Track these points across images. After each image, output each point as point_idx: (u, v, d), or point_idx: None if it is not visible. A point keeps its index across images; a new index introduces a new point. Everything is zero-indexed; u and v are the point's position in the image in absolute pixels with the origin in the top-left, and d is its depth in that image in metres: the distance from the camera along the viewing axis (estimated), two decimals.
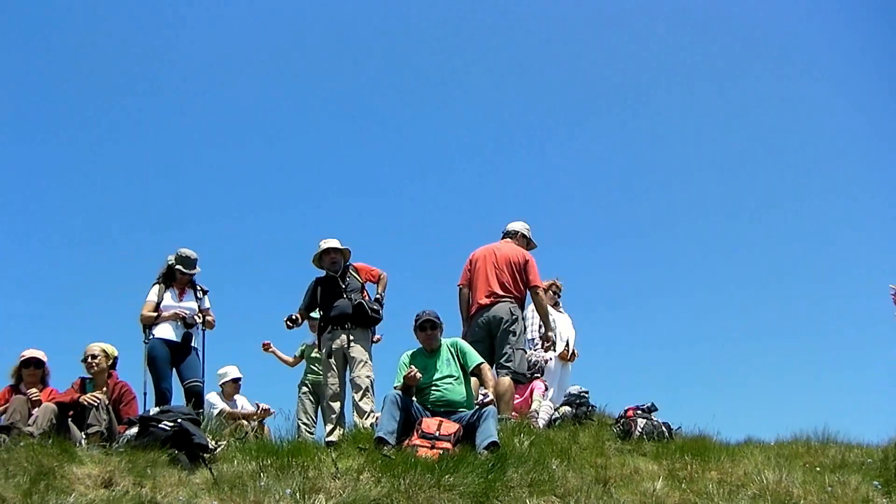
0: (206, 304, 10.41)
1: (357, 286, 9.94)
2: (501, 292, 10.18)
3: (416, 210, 40.14)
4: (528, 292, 10.38)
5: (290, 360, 12.41)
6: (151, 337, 9.97)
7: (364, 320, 9.71)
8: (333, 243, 10.04)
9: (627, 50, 38.18)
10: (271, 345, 12.37)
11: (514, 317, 10.08)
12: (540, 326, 11.21)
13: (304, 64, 40.29)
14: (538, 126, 40.78)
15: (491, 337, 9.86)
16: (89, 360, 9.28)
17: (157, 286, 10.28)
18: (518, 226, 10.96)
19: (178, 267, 10.28)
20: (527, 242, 10.79)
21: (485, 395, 8.37)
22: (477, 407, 8.31)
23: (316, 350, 11.49)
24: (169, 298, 10.20)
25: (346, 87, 41.40)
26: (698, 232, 37.21)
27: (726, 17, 35.57)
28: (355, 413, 9.36)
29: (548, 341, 10.67)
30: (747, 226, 36.18)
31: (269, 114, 41.01)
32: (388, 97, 41.14)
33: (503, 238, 10.89)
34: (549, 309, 11.45)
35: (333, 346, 9.66)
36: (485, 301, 10.18)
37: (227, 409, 11.42)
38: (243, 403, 11.82)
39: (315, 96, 40.88)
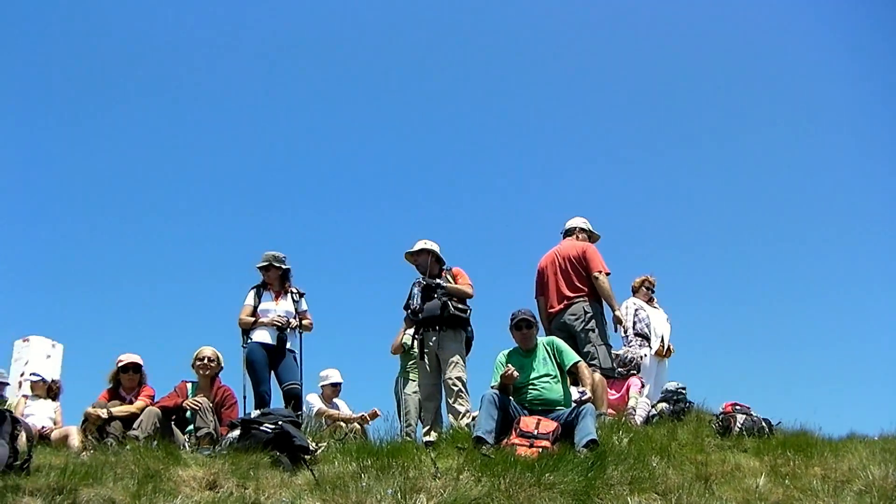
0: (304, 306, 10.48)
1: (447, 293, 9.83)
2: (572, 293, 10.20)
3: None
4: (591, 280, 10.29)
5: (400, 346, 12.38)
6: (249, 341, 10.08)
7: (452, 321, 9.65)
8: (420, 245, 10.09)
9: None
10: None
11: (588, 314, 10.08)
12: (634, 323, 11.14)
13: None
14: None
15: (573, 338, 9.78)
16: (205, 362, 9.49)
17: (253, 291, 10.44)
18: (576, 221, 10.97)
19: (266, 264, 10.43)
20: (588, 236, 10.74)
21: (582, 393, 8.32)
22: (574, 405, 8.26)
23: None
24: (266, 302, 10.30)
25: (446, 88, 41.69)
26: (798, 230, 36.70)
27: None
28: (450, 414, 9.36)
29: (618, 322, 10.48)
30: (848, 224, 35.54)
31: (369, 112, 41.45)
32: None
33: (563, 237, 10.91)
34: (644, 304, 11.38)
35: (426, 348, 9.68)
36: (557, 306, 10.25)
37: (326, 409, 11.49)
38: (342, 407, 11.88)
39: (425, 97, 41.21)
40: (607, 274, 10.22)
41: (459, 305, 9.68)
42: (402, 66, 45.83)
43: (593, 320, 10.05)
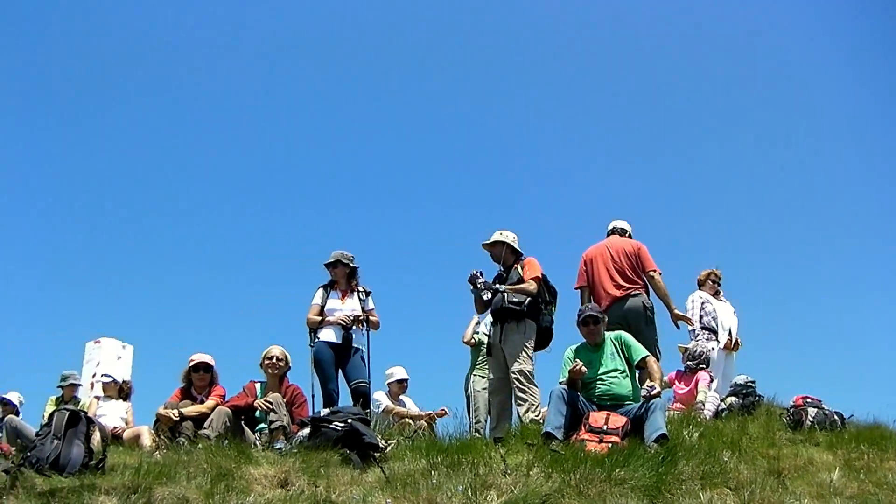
0: (370, 304, 10.50)
1: (515, 281, 9.79)
2: (628, 285, 10.26)
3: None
4: (646, 278, 10.39)
5: (472, 339, 12.37)
6: (316, 340, 10.15)
7: (513, 314, 9.54)
8: (495, 236, 10.05)
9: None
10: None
11: (648, 308, 10.21)
12: (701, 317, 11.07)
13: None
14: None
15: (629, 329, 9.72)
16: (273, 361, 9.58)
17: (320, 290, 10.51)
18: (623, 223, 11.11)
19: (334, 262, 10.50)
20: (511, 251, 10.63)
21: (651, 388, 8.27)
22: (643, 400, 8.21)
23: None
24: (333, 301, 10.36)
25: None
26: (867, 219, 36.21)
27: None
28: (517, 409, 9.31)
29: (679, 319, 10.62)
30: None
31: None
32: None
33: (609, 235, 10.98)
34: (710, 298, 11.31)
35: (493, 342, 9.66)
36: (616, 292, 10.26)
37: (394, 407, 11.53)
38: (409, 404, 11.91)
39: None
40: (660, 273, 10.24)
41: (514, 299, 9.53)
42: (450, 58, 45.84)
43: (652, 316, 10.13)
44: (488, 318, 12.05)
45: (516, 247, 9.97)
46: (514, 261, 9.92)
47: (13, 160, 40.07)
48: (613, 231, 11.07)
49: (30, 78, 41.27)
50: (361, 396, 9.78)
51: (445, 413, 11.69)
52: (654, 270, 10.32)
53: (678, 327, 10.59)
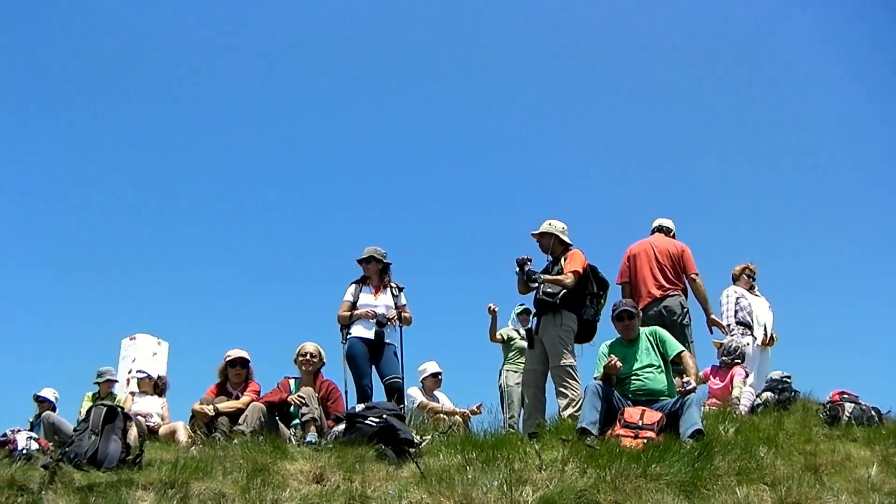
0: (403, 300, 10.50)
1: (557, 272, 9.66)
2: (669, 286, 10.25)
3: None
4: (687, 281, 10.40)
5: (497, 336, 12.38)
6: (349, 336, 10.17)
7: (550, 306, 9.42)
8: (543, 227, 9.95)
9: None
10: (497, 311, 12.39)
11: (684, 310, 10.23)
12: (736, 312, 11.02)
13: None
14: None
15: (664, 328, 9.67)
16: (307, 357, 9.65)
17: (353, 286, 10.52)
18: (668, 221, 11.08)
19: (367, 257, 10.51)
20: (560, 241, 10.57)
21: (686, 383, 8.24)
22: (679, 395, 8.19)
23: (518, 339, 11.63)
24: (366, 296, 10.37)
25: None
26: None
27: None
28: (558, 404, 9.25)
29: (713, 324, 10.67)
30: None
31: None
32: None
33: (654, 233, 10.94)
34: (745, 293, 11.26)
35: (533, 334, 9.61)
36: (657, 293, 10.25)
37: (428, 402, 11.54)
38: (444, 400, 11.92)
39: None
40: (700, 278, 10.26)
41: (548, 290, 9.44)
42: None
43: (687, 317, 10.17)
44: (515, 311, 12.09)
45: (564, 238, 9.83)
46: (562, 252, 9.78)
47: (52, 158, 40.57)
48: (659, 229, 11.03)
49: (62, 73, 41.69)
50: (395, 392, 9.78)
51: (479, 411, 11.69)
52: (696, 274, 10.36)
53: (711, 332, 10.60)
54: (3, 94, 38.65)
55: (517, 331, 12.42)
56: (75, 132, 42.61)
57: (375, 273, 10.52)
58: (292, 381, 9.71)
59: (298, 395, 9.03)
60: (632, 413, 7.89)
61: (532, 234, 9.96)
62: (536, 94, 46.11)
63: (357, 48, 45.80)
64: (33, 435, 10.94)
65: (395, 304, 10.36)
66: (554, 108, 46.35)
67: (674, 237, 10.95)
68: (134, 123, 44.11)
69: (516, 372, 11.83)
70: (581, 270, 9.45)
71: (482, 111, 47.28)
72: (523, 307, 12.45)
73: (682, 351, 8.74)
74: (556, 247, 9.83)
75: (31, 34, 40.00)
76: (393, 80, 46.91)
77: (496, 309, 12.41)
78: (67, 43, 42.10)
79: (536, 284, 9.53)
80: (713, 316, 10.42)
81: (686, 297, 10.36)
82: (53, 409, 12.29)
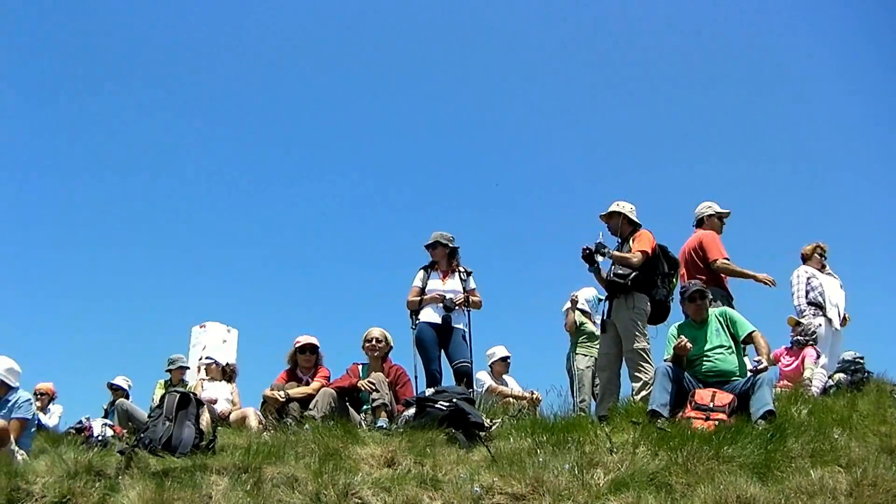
0: (472, 284, 10.49)
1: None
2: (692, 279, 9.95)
3: None
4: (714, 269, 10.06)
5: (573, 327, 12.34)
6: (417, 321, 10.23)
7: (621, 288, 9.36)
8: (612, 207, 9.82)
9: None
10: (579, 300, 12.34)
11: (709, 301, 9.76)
12: (807, 292, 10.87)
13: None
14: None
15: None
16: (373, 343, 9.75)
17: (421, 271, 10.55)
18: (700, 209, 10.61)
19: (433, 242, 10.54)
20: (717, 219, 10.39)
21: (757, 363, 8.16)
22: (750, 375, 8.12)
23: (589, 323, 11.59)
24: (434, 282, 10.41)
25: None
26: None
27: None
28: (632, 387, 9.19)
29: (764, 282, 10.07)
30: None
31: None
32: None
33: (695, 228, 10.66)
34: (816, 272, 11.07)
35: (605, 317, 9.56)
36: None
37: (497, 386, 11.56)
38: (512, 384, 11.92)
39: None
40: (726, 258, 9.95)
41: (618, 271, 9.39)
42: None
43: (719, 303, 9.81)
44: (587, 293, 12.01)
45: (633, 217, 9.72)
46: (630, 233, 9.64)
47: (124, 148, 41.24)
48: (697, 223, 10.65)
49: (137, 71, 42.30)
50: (464, 376, 9.81)
51: (539, 399, 11.63)
52: (716, 259, 9.93)
53: (774, 284, 10.30)
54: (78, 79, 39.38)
55: (587, 313, 12.34)
56: (153, 121, 43.34)
57: (443, 258, 10.54)
58: (361, 367, 9.81)
59: (368, 381, 9.11)
60: (703, 395, 7.89)
61: (600, 216, 9.85)
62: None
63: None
64: (108, 422, 11.21)
65: (464, 287, 10.35)
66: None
67: (716, 217, 10.57)
68: (200, 111, 44.71)
69: (586, 356, 11.78)
70: (650, 251, 9.33)
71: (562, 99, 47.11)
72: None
73: (754, 331, 8.65)
74: (624, 227, 9.70)
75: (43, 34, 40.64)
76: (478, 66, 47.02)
77: (577, 299, 12.35)
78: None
79: (602, 258, 9.46)
80: (758, 274, 10.11)
81: (711, 285, 9.88)
82: (127, 397, 12.55)
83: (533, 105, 46.19)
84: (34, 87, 41.81)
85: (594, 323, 11.63)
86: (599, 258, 9.42)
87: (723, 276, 10.02)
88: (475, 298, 10.41)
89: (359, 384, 9.26)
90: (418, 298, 10.31)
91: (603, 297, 11.21)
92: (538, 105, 46.62)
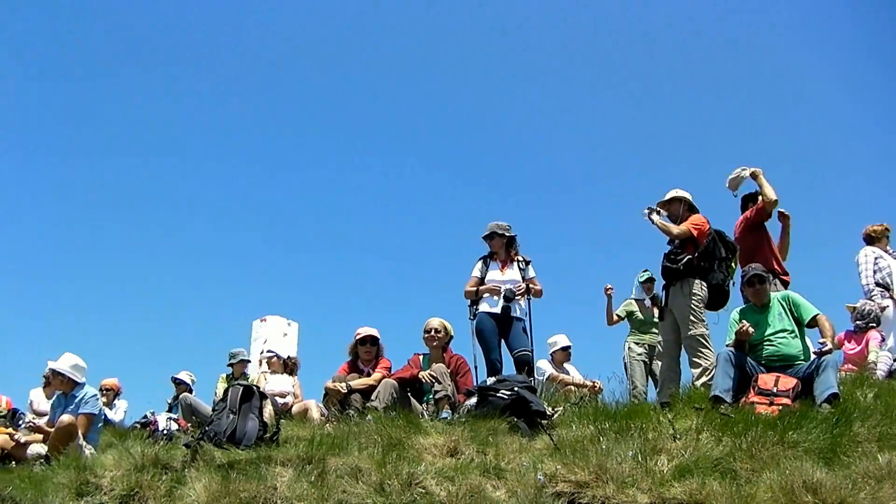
0: (531, 273, 10.49)
1: (679, 244, 9.54)
2: None
3: None
4: None
5: (615, 317, 12.33)
6: (476, 312, 10.28)
7: (675, 274, 9.38)
8: (671, 193, 9.86)
9: None
10: (613, 293, 12.36)
11: None
12: (875, 272, 10.73)
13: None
14: None
15: None
16: (433, 333, 9.80)
17: (480, 262, 10.61)
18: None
19: (490, 233, 10.58)
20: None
21: (822, 345, 8.06)
22: (814, 358, 8.05)
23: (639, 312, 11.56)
24: (493, 272, 10.46)
25: None
26: None
27: None
28: (692, 373, 9.18)
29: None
30: None
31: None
32: None
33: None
34: (883, 253, 10.92)
35: (662, 305, 9.54)
36: None
37: (557, 374, 11.57)
38: (573, 372, 11.92)
39: None
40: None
41: (672, 256, 9.41)
42: None
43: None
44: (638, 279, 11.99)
45: (689, 201, 9.74)
46: (688, 218, 9.64)
47: (189, 147, 41.76)
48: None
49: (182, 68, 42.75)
50: (525, 365, 9.81)
51: (600, 388, 11.60)
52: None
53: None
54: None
55: (639, 301, 12.32)
56: (223, 116, 43.88)
57: (500, 248, 10.57)
58: (422, 358, 9.90)
59: (430, 373, 9.17)
60: (766, 380, 7.83)
61: (659, 203, 9.80)
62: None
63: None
64: (173, 416, 11.38)
65: (523, 277, 10.37)
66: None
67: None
68: (271, 107, 45.15)
69: (638, 343, 11.80)
70: (694, 231, 9.36)
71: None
72: (647, 275, 12.36)
73: (818, 314, 8.56)
74: (684, 214, 9.69)
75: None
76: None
77: (612, 292, 12.36)
78: None
79: (651, 215, 9.54)
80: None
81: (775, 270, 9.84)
82: (190, 391, 12.73)
83: (602, 90, 46.13)
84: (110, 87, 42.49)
85: (646, 310, 11.67)
86: (647, 215, 9.53)
87: (779, 259, 9.97)
88: (536, 287, 10.41)
89: (420, 375, 9.32)
90: (475, 289, 10.39)
91: (643, 279, 11.22)
92: (607, 90, 46.55)
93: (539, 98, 47.71)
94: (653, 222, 9.48)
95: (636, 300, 12.45)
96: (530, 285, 10.34)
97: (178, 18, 45.83)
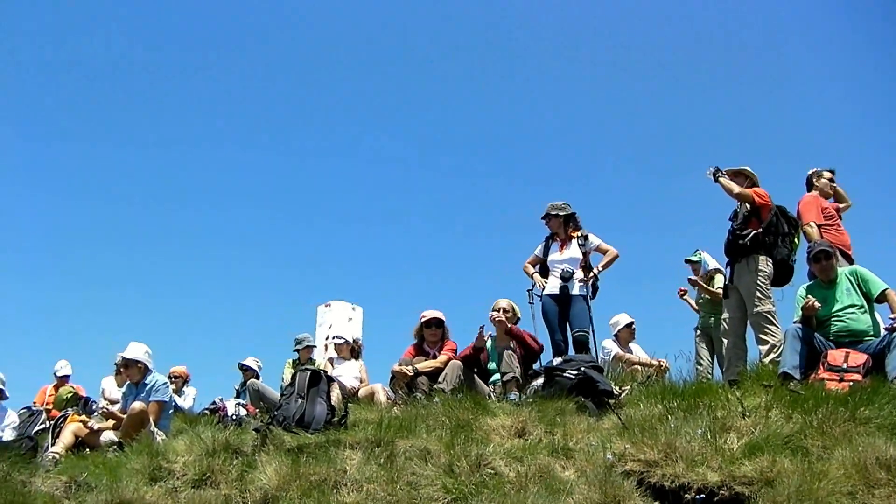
0: (593, 244, 10.45)
1: (746, 213, 9.40)
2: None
3: None
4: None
5: (695, 305, 12.24)
6: (540, 293, 10.35)
7: (739, 251, 9.25)
8: (739, 167, 9.71)
9: None
10: (686, 293, 12.31)
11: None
12: None
13: None
14: None
15: None
16: (500, 312, 9.84)
17: (542, 243, 10.69)
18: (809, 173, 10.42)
19: (545, 214, 10.62)
20: (824, 179, 10.17)
21: (893, 321, 7.96)
22: (885, 333, 7.96)
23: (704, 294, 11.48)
24: (553, 253, 10.52)
25: None
26: None
27: None
28: (759, 350, 9.05)
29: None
30: None
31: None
32: None
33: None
34: None
35: (728, 282, 9.45)
36: None
37: (623, 354, 11.54)
38: (638, 351, 11.87)
39: None
40: (811, 223, 9.62)
41: (742, 232, 9.24)
42: None
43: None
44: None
45: (755, 179, 9.63)
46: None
47: (243, 134, 42.19)
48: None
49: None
50: (582, 345, 9.87)
51: (667, 368, 11.53)
52: (806, 223, 9.67)
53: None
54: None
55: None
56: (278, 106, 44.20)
57: (559, 227, 10.60)
58: (489, 339, 9.91)
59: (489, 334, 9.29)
60: (835, 356, 7.76)
61: (728, 171, 9.68)
62: None
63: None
64: (241, 401, 11.54)
65: (583, 251, 10.38)
66: None
67: (824, 180, 10.32)
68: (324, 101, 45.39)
69: (705, 323, 11.72)
70: (756, 197, 9.27)
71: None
72: (696, 255, 12.20)
73: (887, 289, 8.44)
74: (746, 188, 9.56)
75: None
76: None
77: (686, 293, 12.28)
78: None
79: (716, 174, 9.51)
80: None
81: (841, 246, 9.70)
82: (257, 377, 12.88)
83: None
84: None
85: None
86: (711, 174, 9.51)
87: (844, 237, 9.85)
88: (609, 253, 10.42)
89: (477, 344, 9.54)
90: (532, 266, 10.62)
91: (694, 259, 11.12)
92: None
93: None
94: (716, 180, 9.40)
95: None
96: (599, 251, 10.40)
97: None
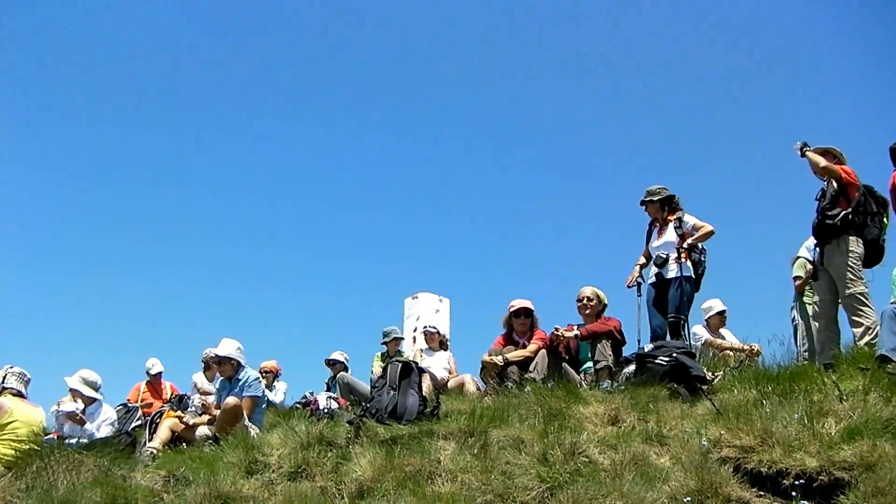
0: (689, 224, 10.32)
1: (833, 193, 9.12)
2: None
3: None
4: None
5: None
6: (639, 281, 10.44)
7: (828, 231, 8.97)
8: (824, 146, 9.45)
9: None
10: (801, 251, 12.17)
11: None
12: None
13: None
14: None
15: None
16: (584, 301, 9.96)
17: (647, 230, 10.71)
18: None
19: (641, 200, 10.62)
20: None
21: None
22: None
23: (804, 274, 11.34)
24: (654, 240, 10.52)
25: None
26: None
27: None
28: (853, 333, 8.91)
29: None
30: None
31: None
32: None
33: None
34: None
35: (817, 265, 9.32)
36: None
37: (713, 339, 11.45)
38: (729, 337, 11.76)
39: None
40: None
41: (831, 212, 9.01)
42: None
43: None
44: (810, 242, 11.70)
45: (842, 159, 9.36)
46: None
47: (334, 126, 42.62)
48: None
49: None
50: (674, 330, 9.84)
51: (756, 351, 11.38)
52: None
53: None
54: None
55: (809, 261, 12.02)
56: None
57: (656, 213, 10.59)
58: (576, 327, 9.90)
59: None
60: None
61: (815, 149, 9.53)
62: None
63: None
64: (332, 395, 11.69)
65: (679, 233, 10.28)
66: None
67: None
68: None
69: (807, 304, 11.51)
70: (843, 173, 9.00)
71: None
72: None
73: None
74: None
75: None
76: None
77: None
78: None
79: (803, 148, 9.30)
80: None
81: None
82: (346, 370, 13.05)
83: None
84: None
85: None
86: (798, 148, 9.31)
87: None
88: (703, 229, 10.25)
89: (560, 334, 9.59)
90: (641, 261, 10.65)
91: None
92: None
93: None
94: (803, 155, 9.25)
95: (810, 261, 12.08)
96: (694, 231, 10.23)
97: None
